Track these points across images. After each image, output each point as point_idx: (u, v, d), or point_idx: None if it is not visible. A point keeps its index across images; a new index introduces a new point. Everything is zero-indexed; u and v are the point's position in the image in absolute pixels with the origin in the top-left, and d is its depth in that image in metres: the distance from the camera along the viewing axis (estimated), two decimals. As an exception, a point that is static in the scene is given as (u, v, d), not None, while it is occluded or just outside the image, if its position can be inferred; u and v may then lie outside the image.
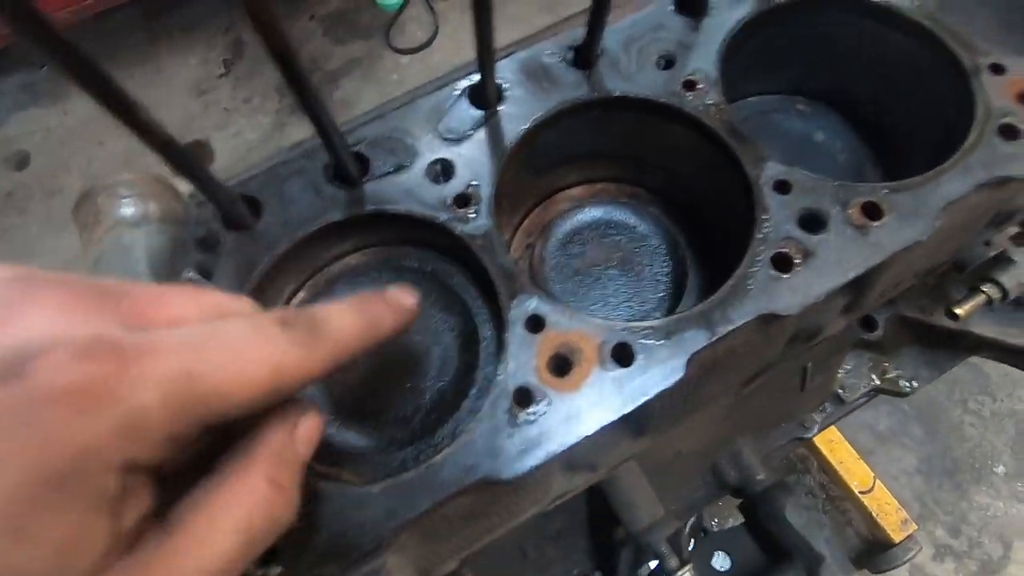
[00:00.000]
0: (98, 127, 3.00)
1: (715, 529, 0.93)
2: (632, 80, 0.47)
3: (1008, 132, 0.42)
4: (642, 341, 0.37)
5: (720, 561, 0.69)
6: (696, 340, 0.37)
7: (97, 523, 0.20)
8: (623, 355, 0.37)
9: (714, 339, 0.37)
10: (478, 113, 0.46)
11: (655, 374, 0.36)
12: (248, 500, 0.23)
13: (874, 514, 1.73)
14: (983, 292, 0.60)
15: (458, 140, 0.45)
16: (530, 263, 0.53)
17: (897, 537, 1.69)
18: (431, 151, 0.45)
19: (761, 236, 0.40)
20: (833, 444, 1.84)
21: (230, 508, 0.23)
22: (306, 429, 0.26)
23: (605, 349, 0.37)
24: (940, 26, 0.47)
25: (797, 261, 0.39)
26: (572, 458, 0.41)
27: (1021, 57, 0.45)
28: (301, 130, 2.86)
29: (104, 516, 0.20)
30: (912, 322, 0.73)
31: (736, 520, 0.75)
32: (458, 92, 0.47)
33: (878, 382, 0.78)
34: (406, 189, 0.44)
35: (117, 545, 0.21)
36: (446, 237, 0.42)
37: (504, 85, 0.47)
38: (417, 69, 2.93)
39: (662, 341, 0.37)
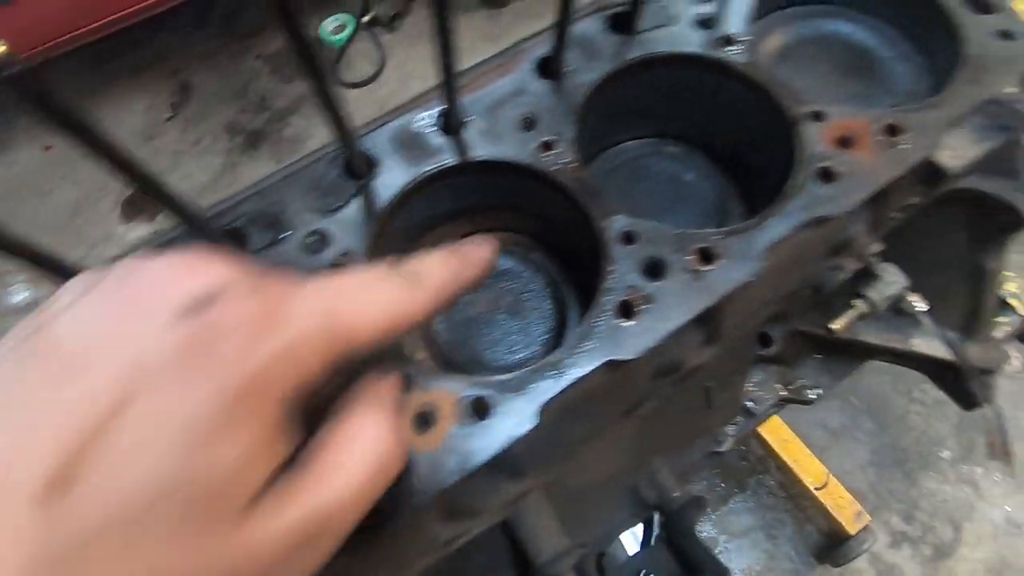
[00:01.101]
0: (44, 177, 2.95)
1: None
2: (497, 143, 0.51)
3: (825, 175, 0.47)
4: (497, 395, 0.40)
5: (642, 580, 0.72)
6: (548, 390, 0.40)
7: (264, 448, 0.23)
8: (480, 409, 0.40)
9: (562, 388, 0.40)
10: (351, 184, 0.49)
11: (509, 424, 0.39)
12: (370, 434, 0.26)
13: (829, 509, 1.79)
14: (854, 307, 0.65)
15: (334, 211, 0.48)
16: (422, 315, 0.56)
17: (852, 530, 1.75)
18: (305, 225, 0.48)
19: (607, 286, 0.44)
20: (787, 444, 1.90)
21: (354, 443, 0.26)
22: (392, 381, 0.30)
23: (463, 405, 0.40)
24: (767, 77, 0.52)
25: (639, 308, 0.43)
26: (448, 504, 0.44)
27: (842, 105, 0.50)
28: (253, 169, 2.86)
29: (268, 444, 0.23)
30: (807, 335, 0.78)
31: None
32: (331, 163, 0.50)
33: (784, 393, 0.83)
34: (285, 259, 0.46)
35: (272, 475, 0.24)
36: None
37: (375, 155, 0.50)
38: (366, 102, 2.96)
39: (516, 394, 0.40)
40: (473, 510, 0.45)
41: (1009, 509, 1.91)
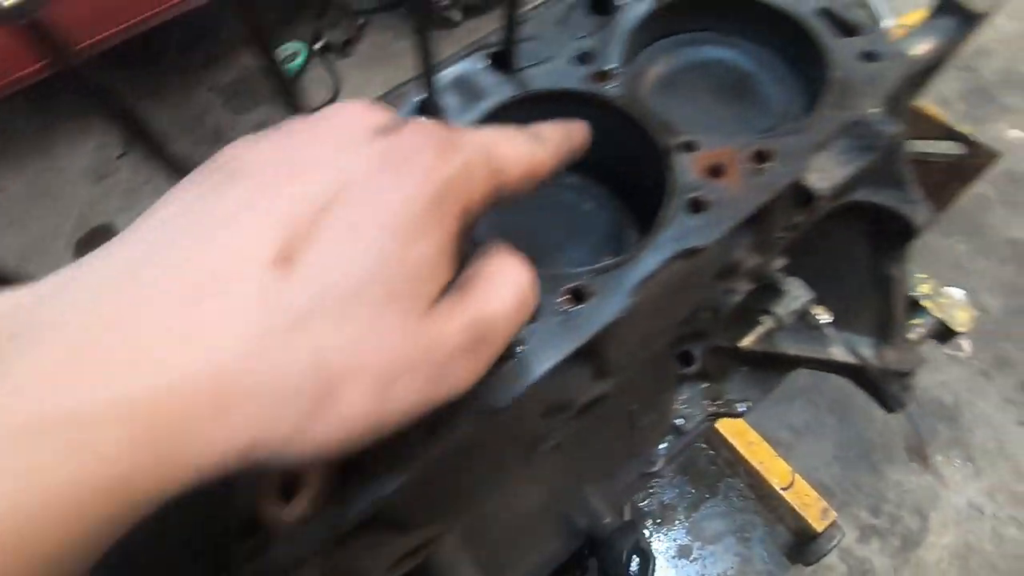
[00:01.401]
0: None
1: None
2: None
3: (695, 205, 0.47)
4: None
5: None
6: (424, 449, 0.40)
7: (446, 253, 0.27)
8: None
9: (440, 442, 0.40)
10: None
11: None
12: (515, 269, 0.30)
13: (796, 508, 1.80)
14: (762, 323, 0.66)
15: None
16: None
17: (819, 527, 1.76)
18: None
19: (479, 333, 0.43)
20: (752, 446, 1.92)
21: (504, 274, 0.30)
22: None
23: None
24: (640, 110, 0.52)
25: (509, 357, 0.42)
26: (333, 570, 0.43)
27: (714, 133, 0.51)
28: (205, 204, 2.81)
29: (448, 251, 0.27)
30: (727, 351, 0.79)
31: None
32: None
33: (713, 408, 0.83)
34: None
35: (444, 286, 0.27)
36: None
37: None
38: (321, 128, 2.94)
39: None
40: (362, 570, 0.44)
41: (971, 495, 1.95)
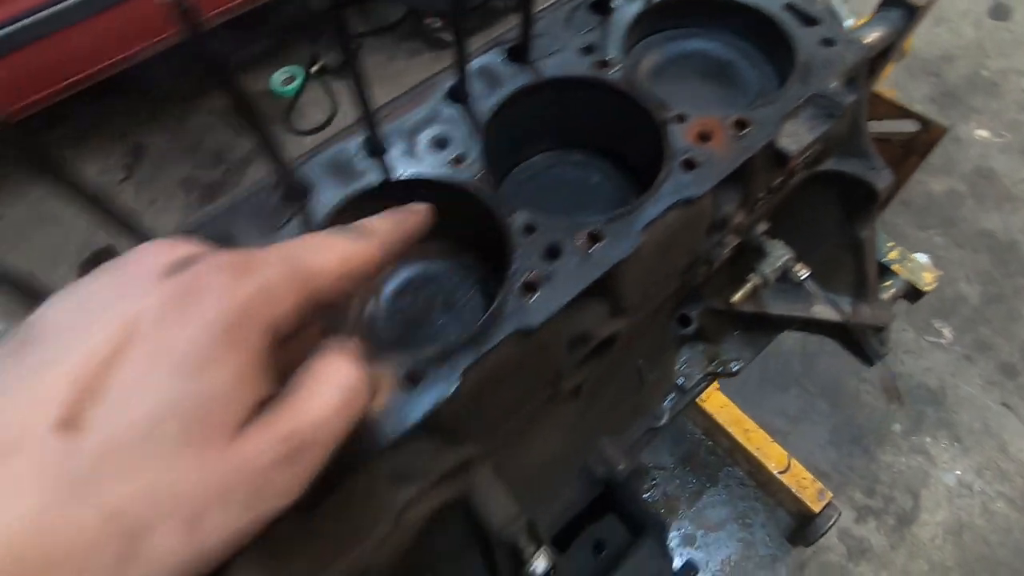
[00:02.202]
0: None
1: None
2: (416, 162, 0.59)
3: (688, 165, 0.57)
4: (428, 369, 0.48)
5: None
6: (467, 358, 0.48)
7: (250, 374, 0.27)
8: (413, 379, 0.47)
9: (480, 356, 0.48)
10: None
11: (434, 391, 0.47)
12: (342, 371, 0.30)
13: (794, 490, 1.87)
14: (749, 281, 0.75)
15: (278, 229, 0.56)
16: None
17: (816, 508, 1.83)
18: (253, 242, 0.55)
19: (513, 270, 0.52)
20: (749, 433, 2.00)
21: (329, 376, 0.30)
22: (355, 342, 0.33)
23: (400, 376, 0.47)
24: (638, 89, 0.62)
25: (540, 284, 0.51)
26: (393, 468, 0.50)
27: (702, 108, 0.61)
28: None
29: (253, 372, 0.27)
30: (722, 313, 0.88)
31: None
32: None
33: (711, 368, 0.92)
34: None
35: (256, 405, 0.27)
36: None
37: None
38: (320, 147, 3.02)
39: (441, 365, 0.48)
40: (418, 472, 0.52)
41: (960, 473, 2.03)
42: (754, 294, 0.76)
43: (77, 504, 0.22)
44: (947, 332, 2.26)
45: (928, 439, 2.09)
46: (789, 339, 2.34)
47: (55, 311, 0.27)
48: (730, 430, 1.99)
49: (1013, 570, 1.86)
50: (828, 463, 2.09)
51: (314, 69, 3.30)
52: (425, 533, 0.67)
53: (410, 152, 0.60)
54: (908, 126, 0.84)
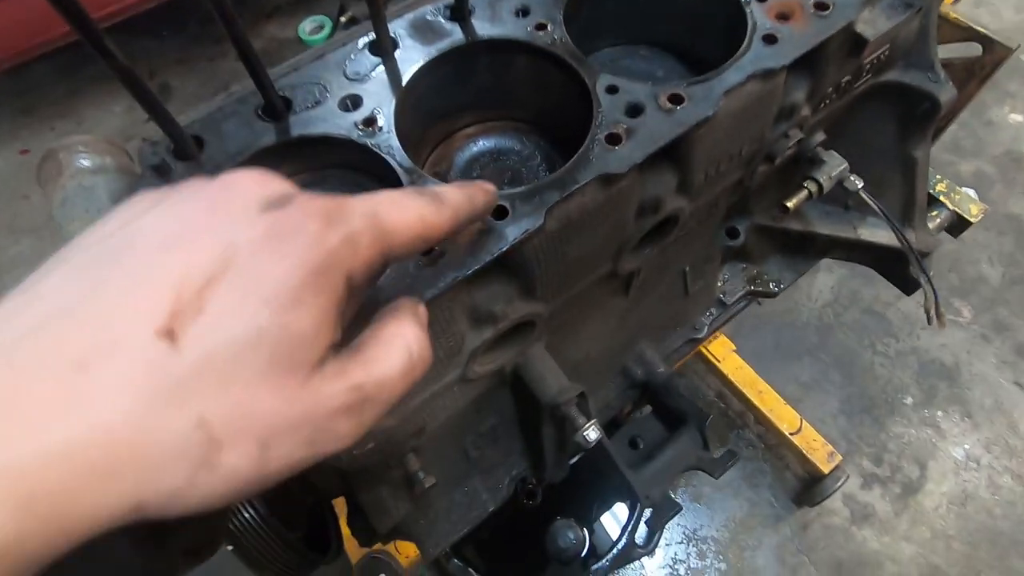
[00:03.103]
0: (21, 181, 2.94)
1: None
2: (499, 26, 0.60)
3: (769, 39, 0.58)
4: (513, 203, 0.49)
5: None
6: (552, 197, 0.49)
7: (330, 318, 0.28)
8: (500, 213, 0.49)
9: (565, 195, 0.49)
10: (376, 60, 0.58)
11: (522, 223, 0.48)
12: (409, 336, 0.32)
13: (804, 451, 1.90)
14: (804, 188, 0.76)
15: (362, 80, 0.57)
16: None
17: (826, 469, 1.86)
18: (341, 89, 0.56)
19: (597, 123, 0.53)
20: (762, 395, 2.02)
21: (397, 339, 0.31)
22: (424, 309, 0.35)
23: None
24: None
25: (624, 138, 0.52)
26: (473, 308, 0.52)
27: (780, -9, 0.61)
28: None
29: (333, 316, 0.28)
30: (767, 230, 0.89)
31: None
32: (360, 46, 0.59)
33: (751, 287, 0.93)
34: (323, 118, 0.55)
35: (330, 348, 0.28)
36: (359, 152, 0.53)
37: (398, 38, 0.59)
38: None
39: (527, 201, 0.49)
40: (494, 315, 0.54)
41: (968, 447, 2.05)
42: (807, 201, 0.77)
43: (172, 409, 0.23)
44: (966, 311, 2.27)
45: (940, 413, 2.11)
46: (805, 312, 2.36)
47: (155, 221, 0.27)
48: (744, 391, 2.02)
49: (1014, 540, 1.89)
50: (838, 431, 2.11)
51: (343, 19, 3.27)
52: (476, 403, 0.69)
53: (494, 17, 0.61)
54: (970, 49, 0.84)
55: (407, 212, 0.32)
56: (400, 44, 0.59)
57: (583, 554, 0.66)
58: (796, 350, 2.27)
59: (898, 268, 0.90)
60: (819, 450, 1.91)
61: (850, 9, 0.59)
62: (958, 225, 0.94)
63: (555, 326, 0.68)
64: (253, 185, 0.29)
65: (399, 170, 0.51)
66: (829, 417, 2.15)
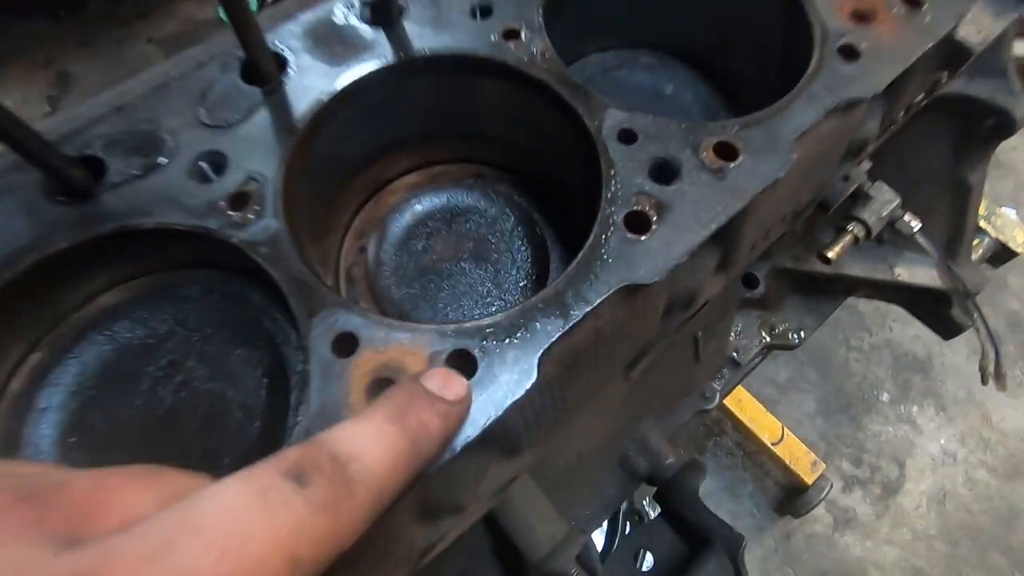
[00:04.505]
0: None
1: (648, 511, 0.88)
2: (446, 32, 0.39)
3: (848, 53, 0.39)
4: (483, 344, 0.29)
5: (642, 560, 0.64)
6: (549, 331, 0.30)
7: None
8: (463, 365, 0.29)
9: (570, 325, 0.30)
10: (253, 90, 0.36)
11: (503, 383, 0.28)
12: None
13: (787, 462, 1.81)
14: (849, 232, 0.59)
15: (229, 126, 0.35)
16: (364, 270, 0.44)
17: (810, 480, 1.78)
18: (194, 143, 0.34)
19: (610, 195, 0.34)
20: (742, 403, 1.91)
21: None
22: None
23: (437, 361, 0.29)
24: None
25: (653, 218, 0.33)
26: (426, 503, 0.32)
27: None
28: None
29: None
30: (790, 273, 0.72)
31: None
32: (222, 69, 0.37)
33: (768, 339, 0.77)
34: (162, 194, 0.33)
35: None
36: (222, 249, 0.32)
37: (286, 53, 0.37)
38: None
39: (508, 340, 0.29)
40: (456, 504, 0.34)
41: (943, 442, 2.01)
42: (852, 246, 0.60)
43: None
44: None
45: (915, 408, 2.07)
46: (777, 305, 2.27)
47: None
48: (724, 401, 1.91)
49: (993, 536, 1.87)
50: (816, 432, 2.04)
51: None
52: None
53: (437, 19, 0.39)
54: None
55: (251, 560, 0.16)
56: (291, 63, 0.37)
57: None
58: (771, 349, 2.17)
59: (939, 309, 0.75)
60: (802, 459, 1.82)
61: (951, 7, 0.41)
62: (1000, 255, 0.80)
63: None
64: None
65: (286, 288, 0.31)
66: (807, 418, 2.07)
